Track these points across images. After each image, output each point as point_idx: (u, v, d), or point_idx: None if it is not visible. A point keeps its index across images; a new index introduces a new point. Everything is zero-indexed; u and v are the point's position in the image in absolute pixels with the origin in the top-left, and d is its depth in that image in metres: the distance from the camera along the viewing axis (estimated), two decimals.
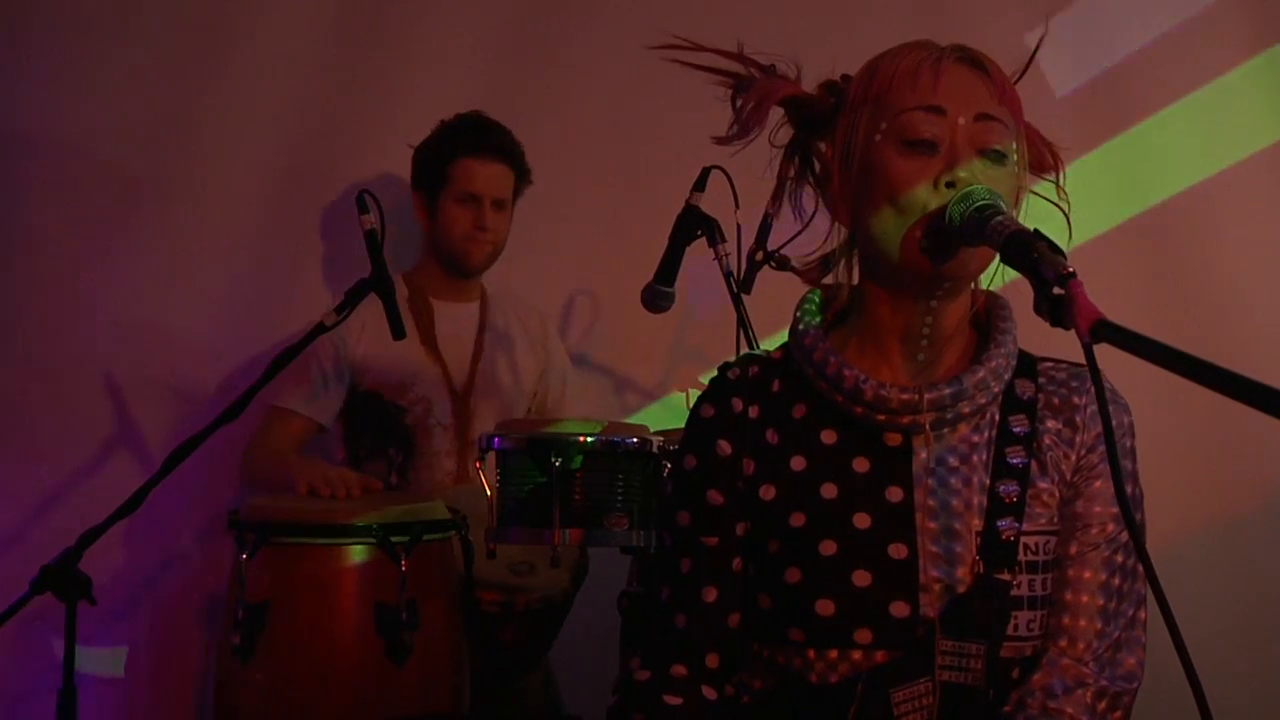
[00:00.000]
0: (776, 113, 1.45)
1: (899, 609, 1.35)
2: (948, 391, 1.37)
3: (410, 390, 2.79)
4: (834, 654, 1.36)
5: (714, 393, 1.47)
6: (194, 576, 2.87)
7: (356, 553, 2.24)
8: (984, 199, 1.29)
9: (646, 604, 1.50)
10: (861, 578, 1.35)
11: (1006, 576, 1.36)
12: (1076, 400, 1.43)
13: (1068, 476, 1.41)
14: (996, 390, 1.40)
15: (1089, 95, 3.23)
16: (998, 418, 1.42)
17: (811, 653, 1.37)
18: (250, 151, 3.00)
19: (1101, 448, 1.41)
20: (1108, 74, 3.26)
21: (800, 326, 1.45)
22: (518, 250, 2.94)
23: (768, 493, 1.41)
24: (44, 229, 2.92)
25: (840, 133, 1.40)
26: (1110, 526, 1.40)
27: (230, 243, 3.00)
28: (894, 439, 1.39)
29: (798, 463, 1.41)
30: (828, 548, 1.37)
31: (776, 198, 1.47)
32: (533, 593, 2.49)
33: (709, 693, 1.43)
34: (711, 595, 1.43)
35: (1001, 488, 1.38)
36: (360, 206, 2.31)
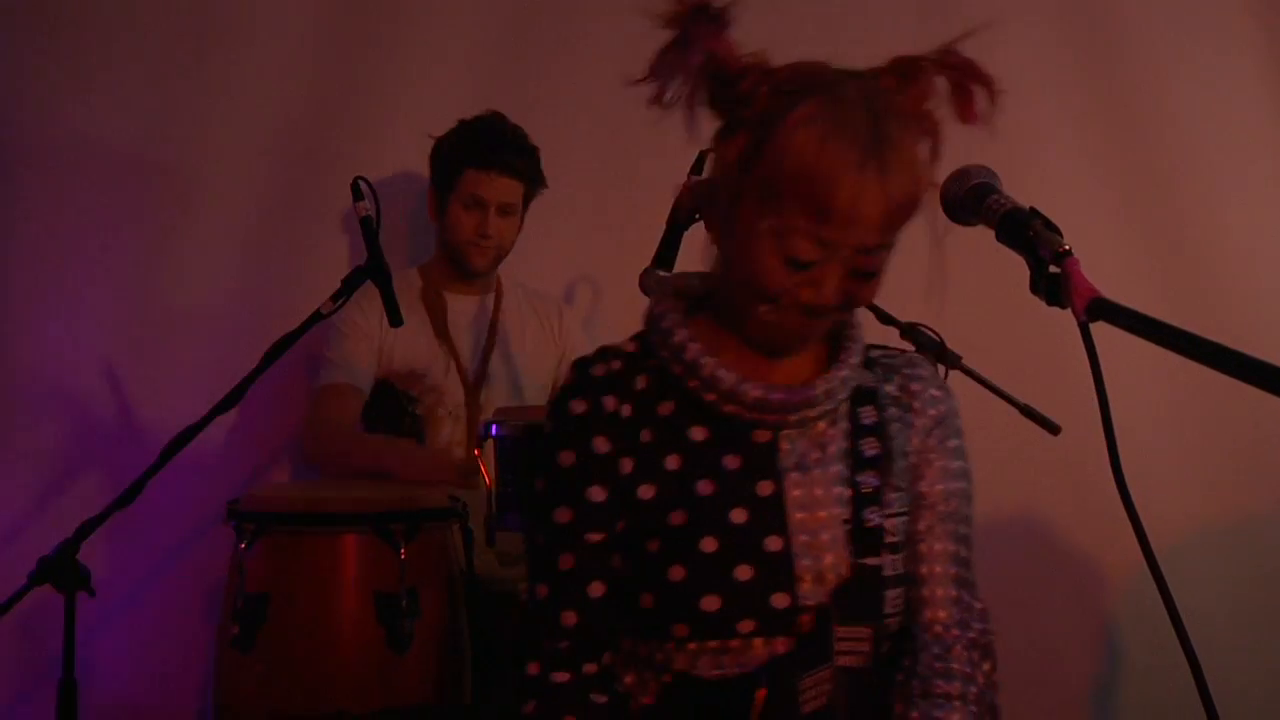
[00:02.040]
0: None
1: (779, 600, 1.40)
2: (819, 392, 1.43)
3: (422, 380, 2.79)
4: (714, 644, 1.40)
5: (582, 389, 1.46)
6: (193, 567, 2.86)
7: (355, 541, 2.22)
8: (980, 178, 1.28)
9: (528, 603, 1.50)
10: (743, 571, 1.40)
11: (878, 561, 1.44)
12: (914, 386, 1.52)
13: (910, 459, 1.49)
14: (847, 393, 1.47)
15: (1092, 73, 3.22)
16: (847, 409, 1.49)
17: (693, 645, 1.41)
18: (251, 142, 3.00)
19: (937, 431, 1.50)
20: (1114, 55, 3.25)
21: (665, 324, 1.46)
22: (518, 238, 2.93)
23: (646, 492, 1.43)
24: (43, 221, 2.91)
25: (726, 193, 1.38)
26: (954, 502, 1.50)
27: (229, 233, 2.99)
28: (762, 435, 1.44)
29: (673, 461, 1.44)
30: (709, 544, 1.41)
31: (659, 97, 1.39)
32: (513, 583, 2.48)
33: (598, 698, 1.45)
34: (599, 591, 1.45)
35: (860, 479, 1.45)
36: (355, 193, 2.30)
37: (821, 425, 1.46)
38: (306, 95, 3.02)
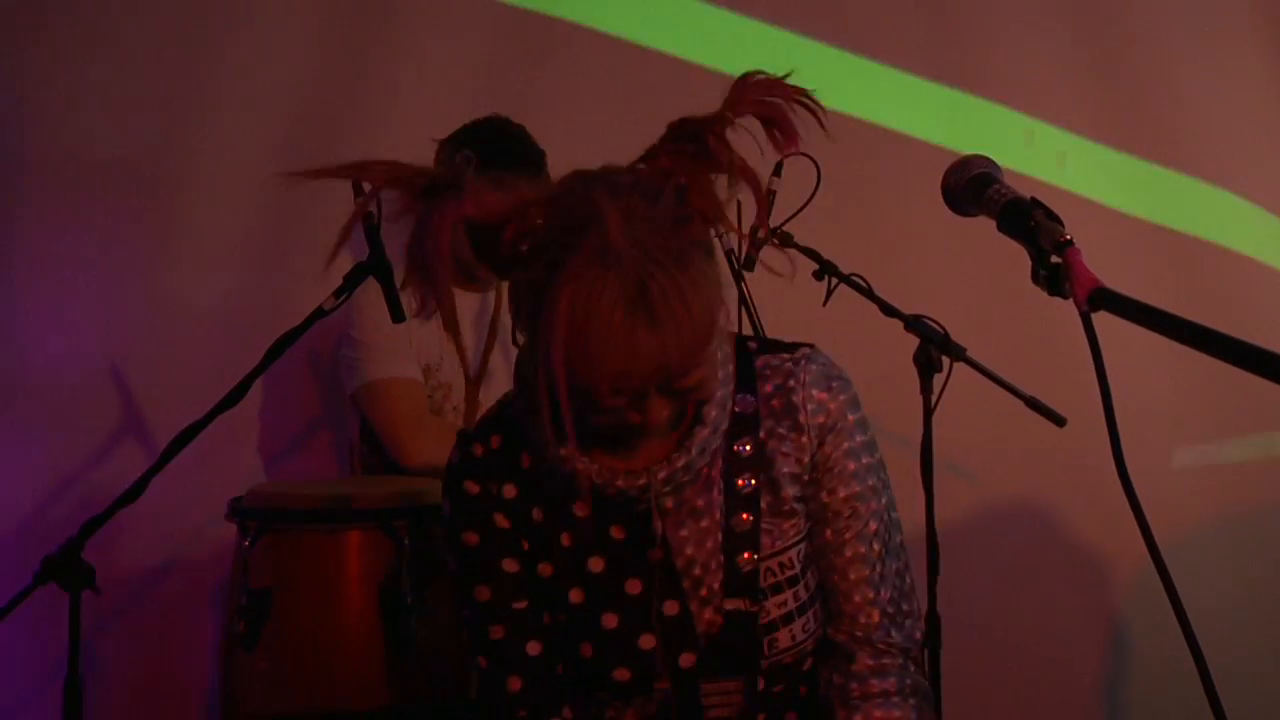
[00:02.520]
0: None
1: (686, 660, 1.41)
2: (679, 466, 1.38)
3: (435, 374, 2.78)
4: (640, 700, 1.44)
5: (469, 470, 1.45)
6: (197, 564, 2.86)
7: (359, 537, 2.22)
8: (981, 168, 1.27)
9: (478, 679, 1.50)
10: (646, 641, 1.41)
11: (752, 607, 1.40)
12: (795, 399, 1.44)
13: (804, 476, 1.44)
14: (719, 441, 1.41)
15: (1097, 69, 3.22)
16: (723, 445, 1.43)
17: (618, 703, 1.44)
18: (252, 139, 3.00)
19: (830, 438, 1.43)
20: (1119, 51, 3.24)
21: (523, 404, 1.42)
22: None
23: (545, 570, 1.44)
24: (46, 219, 2.91)
25: (527, 321, 1.33)
26: (857, 505, 1.44)
27: (232, 231, 2.99)
28: (642, 506, 1.40)
29: (565, 538, 1.44)
30: (609, 620, 1.41)
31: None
32: None
33: None
34: (535, 649, 1.45)
35: (734, 520, 1.41)
36: (356, 190, 2.29)
37: (705, 471, 1.42)
38: (308, 94, 3.02)
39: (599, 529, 1.42)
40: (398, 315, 2.35)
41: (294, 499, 2.31)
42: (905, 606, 1.47)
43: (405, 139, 2.93)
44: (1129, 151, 3.26)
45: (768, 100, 1.30)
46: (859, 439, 1.46)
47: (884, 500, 1.47)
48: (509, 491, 1.44)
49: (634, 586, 1.41)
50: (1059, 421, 2.46)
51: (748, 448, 1.43)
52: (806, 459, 1.44)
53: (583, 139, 3.08)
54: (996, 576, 3.13)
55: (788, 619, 1.42)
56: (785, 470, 1.43)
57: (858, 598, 1.44)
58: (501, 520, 1.44)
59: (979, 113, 3.16)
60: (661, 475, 1.38)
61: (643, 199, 1.27)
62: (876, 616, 1.44)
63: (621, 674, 1.40)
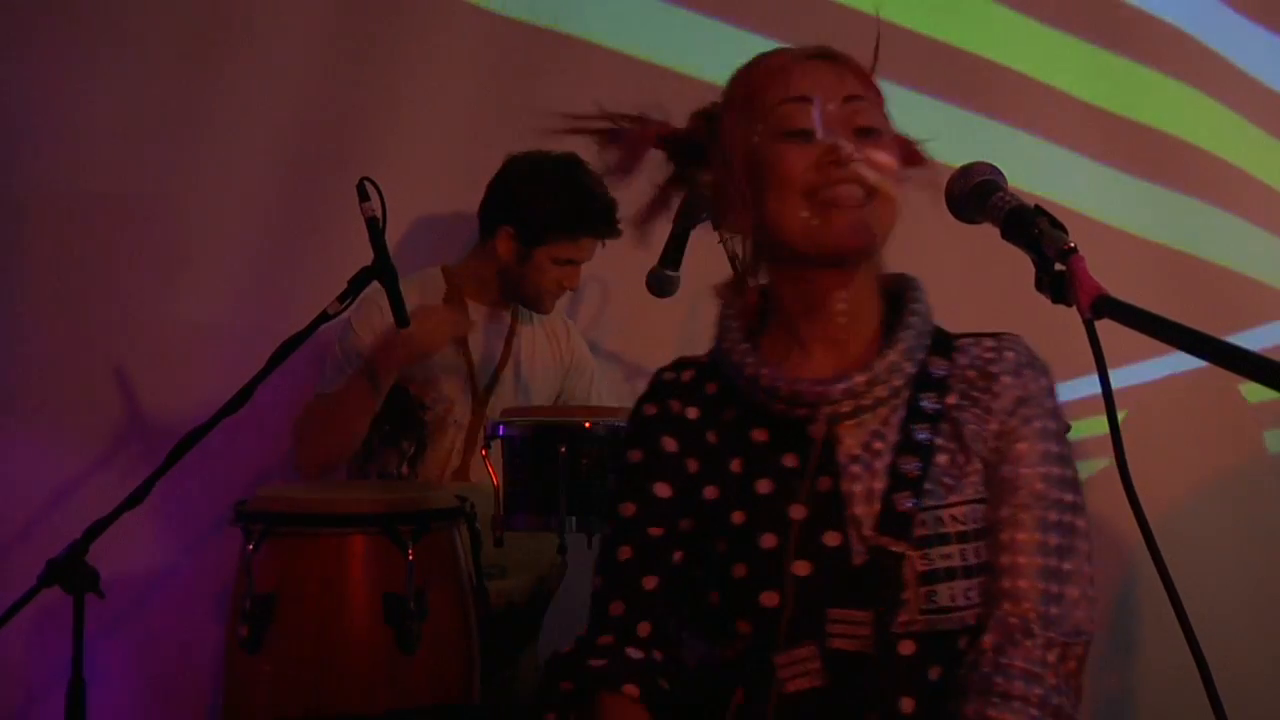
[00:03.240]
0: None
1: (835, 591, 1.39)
2: (860, 379, 1.40)
3: (436, 388, 2.78)
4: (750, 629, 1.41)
5: (654, 394, 1.54)
6: (201, 568, 2.87)
7: (363, 542, 2.22)
8: (985, 175, 1.28)
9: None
10: (800, 567, 1.39)
11: (899, 548, 1.38)
12: (993, 370, 1.45)
13: (991, 443, 1.43)
14: (910, 370, 1.43)
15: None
16: (909, 396, 1.44)
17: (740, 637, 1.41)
18: (257, 144, 3.01)
19: (1022, 411, 1.43)
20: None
21: (720, 335, 1.50)
22: None
23: (711, 493, 1.46)
24: (51, 222, 2.92)
25: (721, 145, 1.47)
26: (1039, 486, 1.42)
27: (237, 234, 3.00)
28: (817, 431, 1.42)
29: (736, 464, 1.46)
30: (768, 541, 1.41)
31: (649, 218, 1.58)
32: (497, 595, 2.48)
33: (634, 653, 1.45)
34: (651, 583, 1.47)
35: (903, 465, 1.41)
36: (361, 194, 2.30)
37: (884, 413, 1.44)
38: (313, 98, 3.02)
39: (772, 454, 1.44)
40: (402, 320, 2.36)
41: (298, 503, 2.31)
42: (1067, 610, 1.40)
43: (410, 153, 2.94)
44: (1138, 174, 3.27)
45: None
46: (1051, 425, 1.45)
47: (1069, 497, 1.43)
48: (691, 413, 1.49)
49: (798, 512, 1.41)
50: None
51: (933, 405, 1.44)
52: (995, 426, 1.43)
53: (585, 148, 3.10)
54: None
55: (950, 574, 1.39)
56: (971, 432, 1.43)
57: (1022, 584, 1.39)
58: (669, 443, 1.48)
59: (984, 130, 3.16)
60: (840, 386, 1.40)
61: None
62: (1037, 609, 1.39)
63: (770, 598, 1.39)
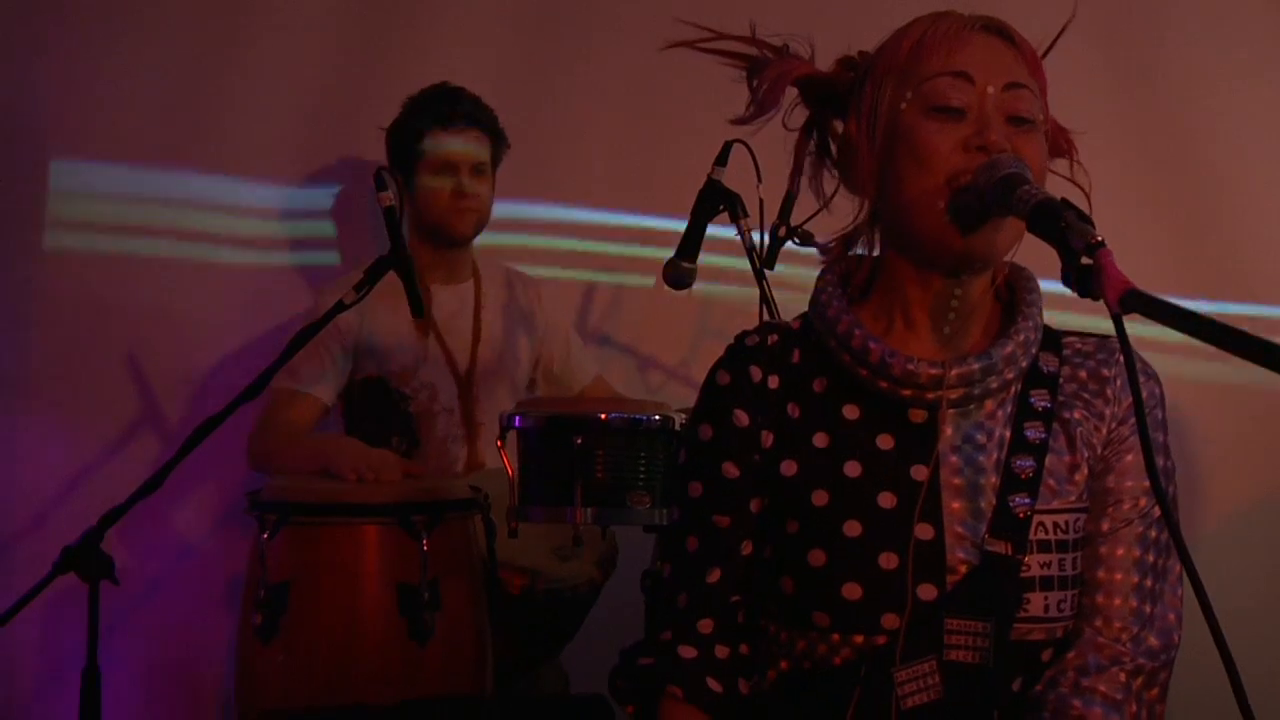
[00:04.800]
0: (791, 92, 1.43)
1: (926, 592, 1.31)
2: (977, 366, 1.33)
3: (415, 377, 2.75)
4: (859, 639, 1.32)
5: (731, 360, 1.42)
6: (216, 557, 2.87)
7: (377, 532, 2.23)
8: (1010, 168, 1.26)
9: (654, 580, 1.47)
10: (888, 560, 1.31)
11: (1015, 554, 1.31)
12: (1106, 372, 1.39)
13: (1098, 450, 1.37)
14: (1024, 364, 1.37)
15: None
16: (1018, 391, 1.38)
17: (836, 637, 1.33)
18: (268, 133, 3.00)
19: (1132, 420, 1.37)
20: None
21: (823, 298, 1.41)
22: (539, 230, 2.92)
23: (789, 469, 1.37)
24: (65, 212, 2.92)
25: (864, 104, 1.37)
26: (1143, 501, 1.36)
27: (249, 224, 2.99)
28: (918, 415, 1.35)
29: (820, 439, 1.37)
30: (852, 528, 1.33)
31: (794, 177, 1.45)
32: (563, 581, 2.44)
33: (688, 651, 1.39)
34: (714, 576, 1.40)
35: (1017, 463, 1.34)
36: (379, 184, 2.29)
37: (990, 406, 1.36)
38: (328, 85, 3.02)
39: (865, 434, 1.36)
40: (417, 310, 2.34)
41: (313, 493, 2.31)
42: (1157, 632, 1.35)
43: None
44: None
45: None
46: (1160, 437, 1.39)
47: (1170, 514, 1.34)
48: (772, 382, 1.39)
49: (887, 500, 1.33)
50: None
51: (1044, 403, 1.37)
52: (1104, 432, 1.37)
53: (598, 140, 3.10)
54: None
55: (1047, 583, 1.32)
56: (1080, 435, 1.37)
57: (1117, 602, 1.34)
58: (741, 416, 1.39)
59: None
60: (956, 371, 1.32)
61: None
62: (1129, 629, 1.33)
63: (852, 590, 1.31)
